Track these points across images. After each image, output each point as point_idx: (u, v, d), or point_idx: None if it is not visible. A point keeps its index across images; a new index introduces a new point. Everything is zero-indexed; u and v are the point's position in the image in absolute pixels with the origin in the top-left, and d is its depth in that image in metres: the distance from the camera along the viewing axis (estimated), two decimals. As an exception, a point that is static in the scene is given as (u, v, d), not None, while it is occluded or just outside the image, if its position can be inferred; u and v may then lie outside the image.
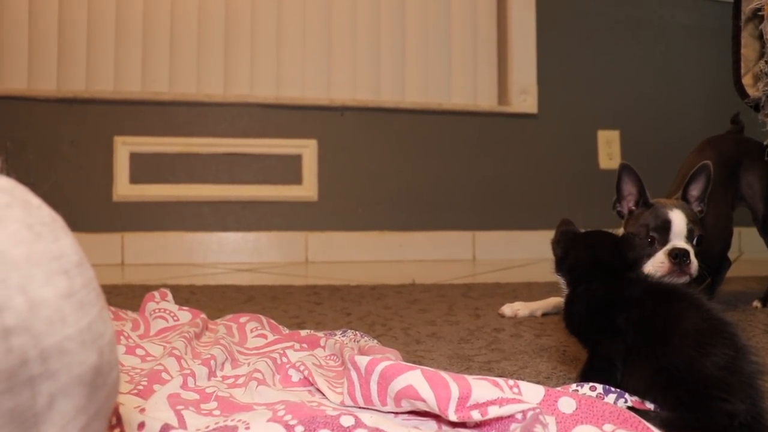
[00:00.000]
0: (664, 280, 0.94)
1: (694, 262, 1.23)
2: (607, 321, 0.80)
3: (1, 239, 0.31)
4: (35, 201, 0.39)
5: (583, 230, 0.93)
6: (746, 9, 1.53)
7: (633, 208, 1.35)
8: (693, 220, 1.29)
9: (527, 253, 2.86)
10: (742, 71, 1.57)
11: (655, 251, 1.26)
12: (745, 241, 2.72)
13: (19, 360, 0.29)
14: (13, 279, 0.30)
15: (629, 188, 1.34)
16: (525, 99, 3.00)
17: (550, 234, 0.94)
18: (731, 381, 0.67)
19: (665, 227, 1.27)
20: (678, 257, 1.23)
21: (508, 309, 1.48)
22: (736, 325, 0.74)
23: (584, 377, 0.81)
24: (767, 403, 0.69)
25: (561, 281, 0.91)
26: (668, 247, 1.25)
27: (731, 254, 1.74)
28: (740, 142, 1.67)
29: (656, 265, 1.24)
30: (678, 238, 1.26)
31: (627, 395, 0.76)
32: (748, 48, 1.57)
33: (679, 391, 0.69)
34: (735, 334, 0.72)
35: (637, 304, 0.78)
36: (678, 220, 1.27)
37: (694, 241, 1.27)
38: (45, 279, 0.32)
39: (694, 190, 1.36)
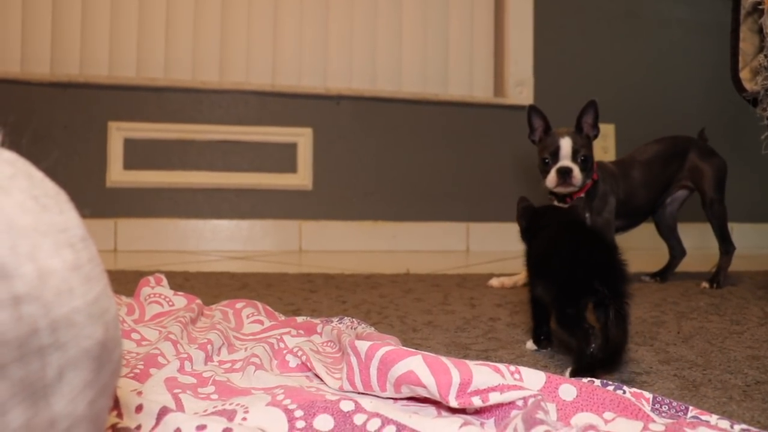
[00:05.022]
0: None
1: (577, 176, 1.64)
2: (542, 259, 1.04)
3: (7, 208, 0.30)
4: (38, 174, 0.38)
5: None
6: (746, 3, 1.52)
7: (542, 136, 1.71)
8: (580, 145, 1.66)
9: (521, 245, 2.85)
10: (740, 65, 1.57)
11: (551, 170, 1.66)
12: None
13: (30, 328, 0.28)
14: (23, 246, 0.29)
15: (537, 122, 1.72)
16: (521, 91, 2.99)
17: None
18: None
19: (556, 152, 1.66)
20: (562, 173, 1.64)
21: (495, 281, 1.80)
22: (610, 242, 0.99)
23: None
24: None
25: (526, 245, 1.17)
26: (557, 166, 1.65)
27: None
28: (692, 140, 1.94)
29: (550, 180, 1.66)
30: (565, 159, 1.65)
31: (626, 387, 0.75)
32: (747, 42, 1.56)
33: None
34: (609, 247, 0.93)
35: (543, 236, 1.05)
36: (565, 145, 1.65)
37: (579, 160, 1.65)
38: (53, 249, 0.31)
39: (587, 121, 1.69)
